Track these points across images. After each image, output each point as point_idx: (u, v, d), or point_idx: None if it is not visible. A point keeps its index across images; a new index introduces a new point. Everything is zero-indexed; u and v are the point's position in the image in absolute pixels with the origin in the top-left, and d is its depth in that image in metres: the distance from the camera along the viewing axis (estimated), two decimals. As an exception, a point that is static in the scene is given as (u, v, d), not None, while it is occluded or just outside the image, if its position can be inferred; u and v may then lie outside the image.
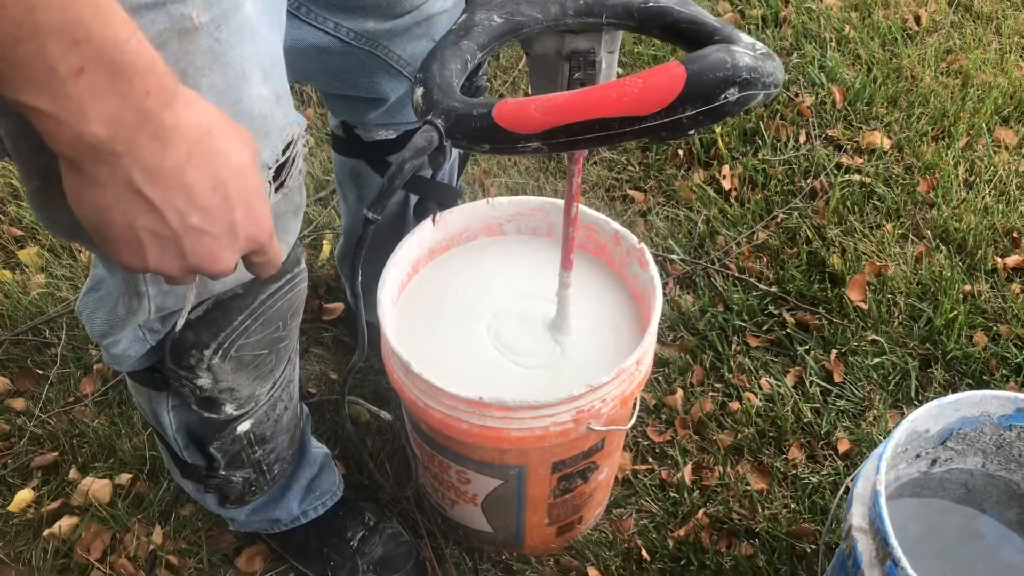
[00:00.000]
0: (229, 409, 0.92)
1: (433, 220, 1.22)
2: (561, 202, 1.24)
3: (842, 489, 1.35)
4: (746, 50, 0.65)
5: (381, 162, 1.21)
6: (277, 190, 0.74)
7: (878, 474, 1.00)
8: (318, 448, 1.30)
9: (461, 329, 1.19)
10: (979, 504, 1.23)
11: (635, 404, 1.23)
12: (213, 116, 0.56)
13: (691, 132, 0.66)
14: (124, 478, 1.44)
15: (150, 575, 1.34)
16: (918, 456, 1.15)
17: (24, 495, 1.42)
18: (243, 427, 0.97)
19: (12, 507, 1.40)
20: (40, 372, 1.59)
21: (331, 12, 1.01)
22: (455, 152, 1.26)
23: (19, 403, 1.55)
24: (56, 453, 1.48)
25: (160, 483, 1.43)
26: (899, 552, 0.92)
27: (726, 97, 0.64)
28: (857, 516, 1.02)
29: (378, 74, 1.10)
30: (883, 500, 0.97)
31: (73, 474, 1.45)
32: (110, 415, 1.52)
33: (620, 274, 1.25)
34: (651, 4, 0.75)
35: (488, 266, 1.27)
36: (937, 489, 1.23)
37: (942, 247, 1.74)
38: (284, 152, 0.72)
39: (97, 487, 1.42)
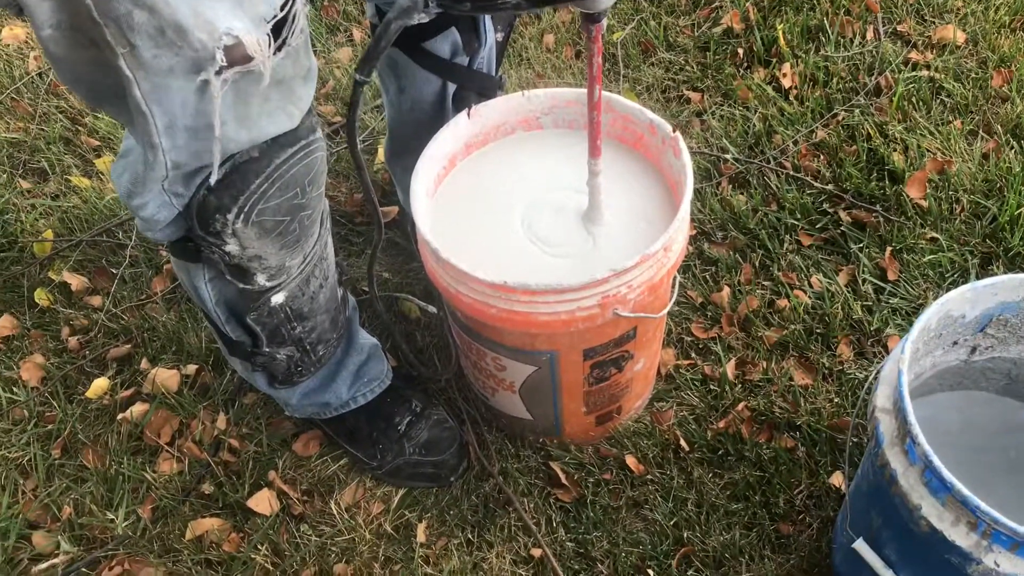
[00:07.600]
0: (261, 279, 0.97)
1: (468, 113, 1.24)
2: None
3: (872, 375, 1.34)
4: None
5: (417, 48, 1.22)
6: (280, 49, 0.77)
7: (902, 354, 0.99)
8: (366, 338, 1.35)
9: (496, 221, 1.21)
10: (1022, 395, 1.21)
11: (672, 292, 1.24)
12: None
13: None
14: (191, 369, 1.53)
15: (214, 457, 1.43)
16: (955, 343, 1.13)
17: (100, 383, 1.52)
18: (277, 299, 1.01)
19: (89, 393, 1.51)
20: (114, 272, 1.68)
21: None
22: (491, 39, 1.26)
23: (96, 300, 1.65)
24: (129, 345, 1.58)
25: (224, 374, 1.52)
26: (917, 429, 0.92)
27: None
28: (881, 397, 1.02)
29: None
30: (905, 379, 0.96)
31: (144, 365, 1.54)
32: (179, 311, 1.61)
33: (656, 165, 1.25)
34: None
35: (525, 160, 1.28)
36: (979, 379, 1.21)
37: (1013, 143, 1.67)
38: (283, 8, 0.75)
39: (166, 376, 1.51)
